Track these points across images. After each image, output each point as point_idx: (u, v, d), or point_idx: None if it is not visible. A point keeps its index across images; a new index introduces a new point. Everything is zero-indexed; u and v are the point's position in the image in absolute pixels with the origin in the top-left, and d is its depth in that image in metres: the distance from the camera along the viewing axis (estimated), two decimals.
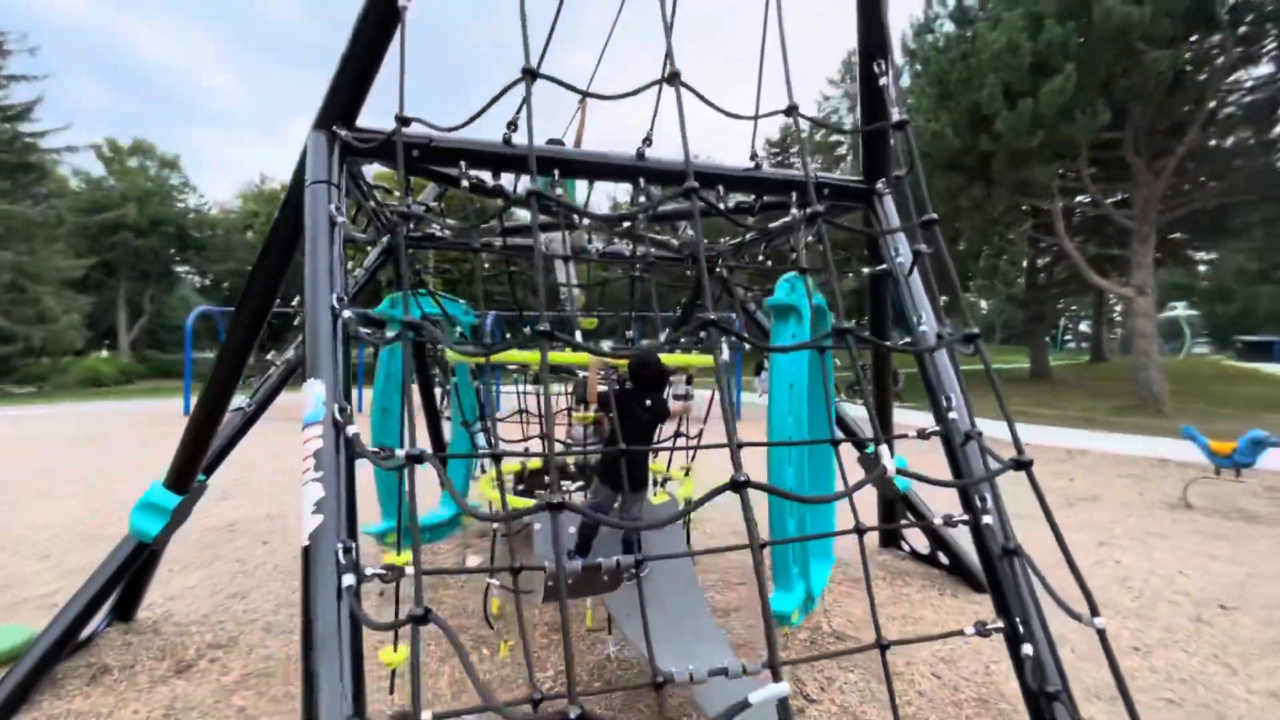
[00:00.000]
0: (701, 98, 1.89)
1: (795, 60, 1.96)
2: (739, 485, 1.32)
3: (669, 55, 1.73)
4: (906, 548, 5.03)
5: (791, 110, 1.99)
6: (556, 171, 2.58)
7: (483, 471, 4.37)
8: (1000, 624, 1.91)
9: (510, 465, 4.38)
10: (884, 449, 1.77)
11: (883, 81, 2.69)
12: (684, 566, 3.37)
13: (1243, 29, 13.88)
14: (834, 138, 32.52)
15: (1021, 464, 1.55)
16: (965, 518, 2.10)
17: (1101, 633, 1.42)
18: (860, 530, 2.02)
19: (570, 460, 4.68)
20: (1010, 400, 2.08)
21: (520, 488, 4.42)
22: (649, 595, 3.01)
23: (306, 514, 1.58)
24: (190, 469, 3.17)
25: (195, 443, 3.10)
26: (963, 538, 4.50)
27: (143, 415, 16.27)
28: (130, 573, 3.16)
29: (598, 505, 3.12)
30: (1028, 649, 1.77)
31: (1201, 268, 31.51)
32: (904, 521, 4.76)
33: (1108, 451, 10.84)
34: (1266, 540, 5.61)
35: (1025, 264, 27.72)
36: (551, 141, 3.79)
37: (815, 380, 3.30)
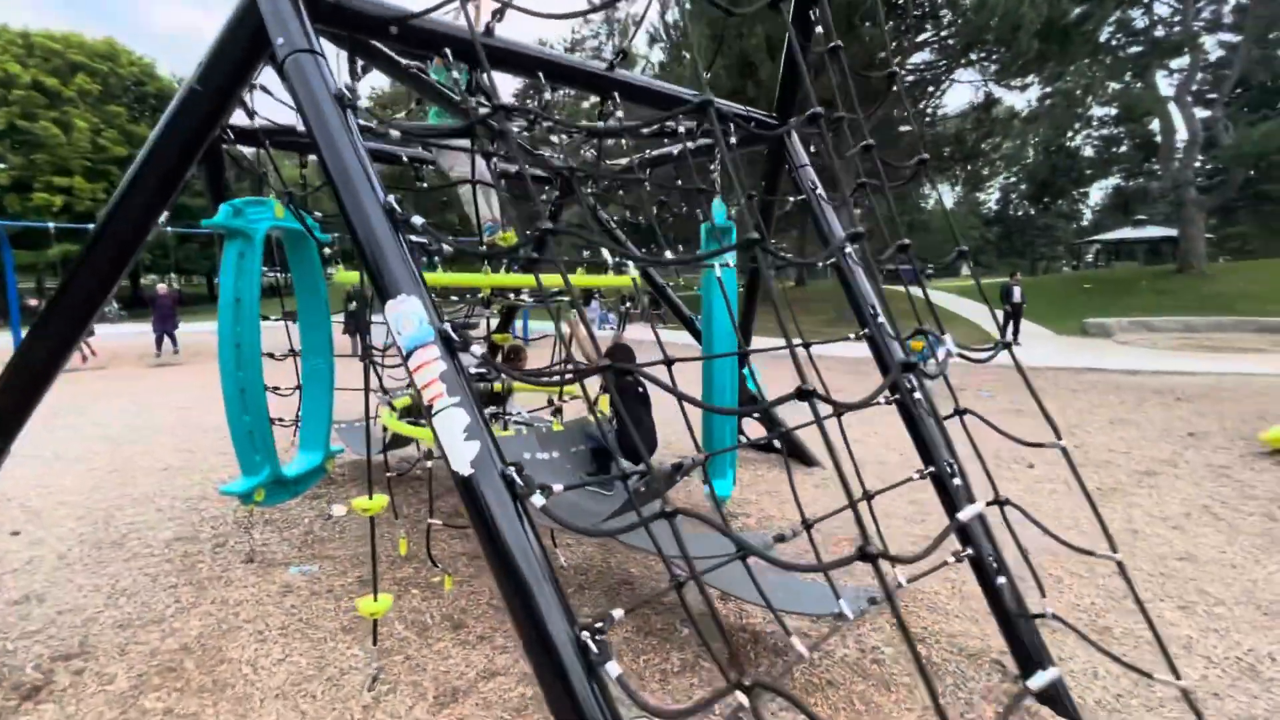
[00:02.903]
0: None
1: None
2: (805, 394, 1.44)
3: None
4: (745, 438, 5.99)
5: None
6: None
7: (390, 407, 3.88)
8: (930, 469, 2.63)
9: (402, 400, 3.99)
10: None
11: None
12: None
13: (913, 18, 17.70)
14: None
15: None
16: (897, 397, 2.77)
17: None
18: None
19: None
20: None
21: (409, 419, 4.08)
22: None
23: (457, 442, 1.44)
24: (9, 430, 2.28)
25: (19, 399, 2.22)
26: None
27: None
28: None
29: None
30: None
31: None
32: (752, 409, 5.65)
33: (825, 354, 13.86)
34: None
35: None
36: None
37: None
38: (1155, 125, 25.89)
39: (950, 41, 16.80)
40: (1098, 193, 45.27)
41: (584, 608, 3.03)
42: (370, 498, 2.44)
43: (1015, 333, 15.06)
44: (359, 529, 4.06)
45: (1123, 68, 22.30)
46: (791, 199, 3.45)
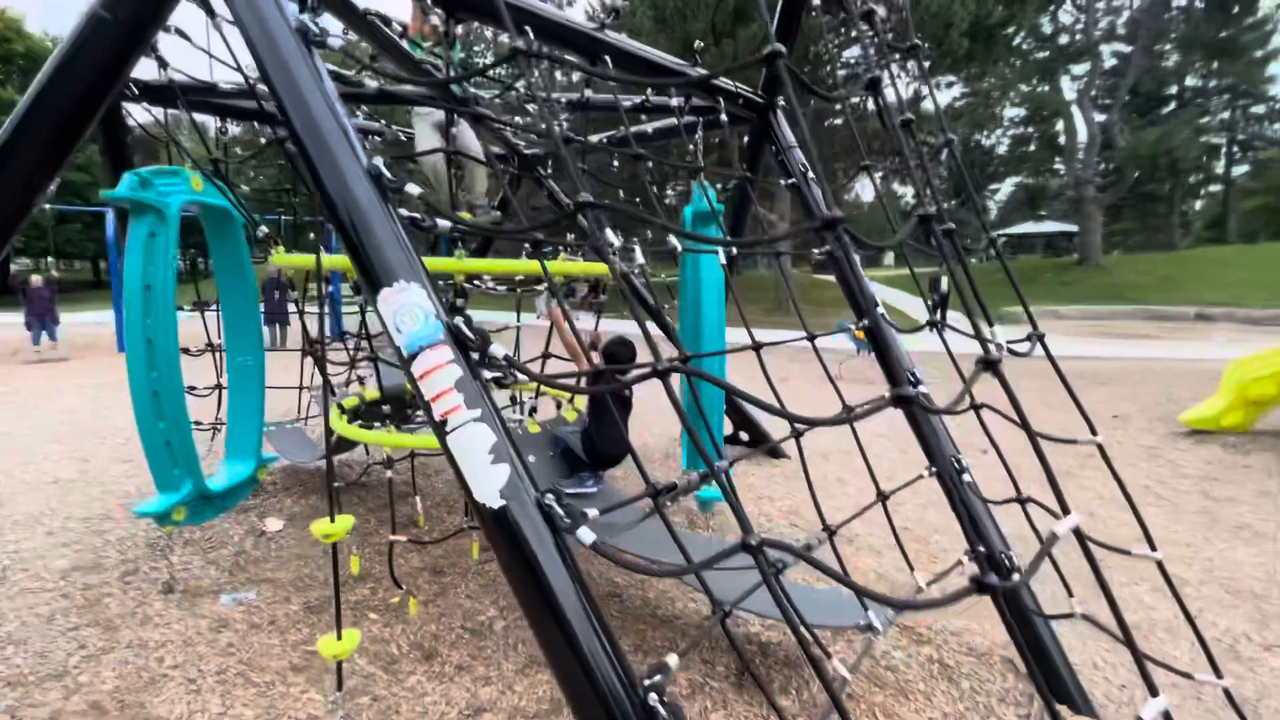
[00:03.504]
0: None
1: None
2: (902, 400, 1.27)
3: None
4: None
5: None
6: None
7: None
8: (934, 469, 2.54)
9: (350, 400, 3.55)
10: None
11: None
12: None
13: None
14: None
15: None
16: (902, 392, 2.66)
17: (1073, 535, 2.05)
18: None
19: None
20: None
21: (358, 422, 3.66)
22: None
23: (482, 466, 1.16)
24: None
25: None
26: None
27: None
28: None
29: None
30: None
31: None
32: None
33: (789, 345, 14.12)
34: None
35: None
36: None
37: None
38: (1060, 126, 27.90)
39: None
40: (1005, 189, 48.58)
41: None
42: (332, 520, 2.08)
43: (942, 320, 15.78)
44: (299, 546, 3.61)
45: (1032, 71, 23.81)
46: (785, 182, 3.29)
